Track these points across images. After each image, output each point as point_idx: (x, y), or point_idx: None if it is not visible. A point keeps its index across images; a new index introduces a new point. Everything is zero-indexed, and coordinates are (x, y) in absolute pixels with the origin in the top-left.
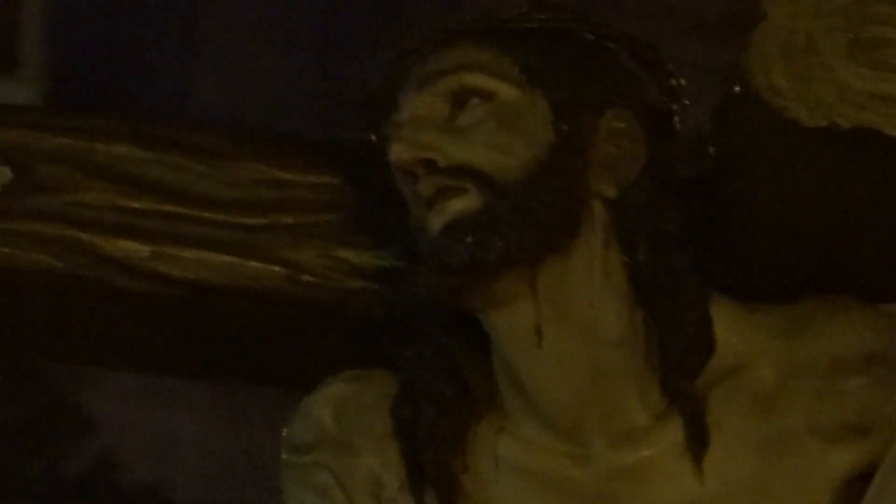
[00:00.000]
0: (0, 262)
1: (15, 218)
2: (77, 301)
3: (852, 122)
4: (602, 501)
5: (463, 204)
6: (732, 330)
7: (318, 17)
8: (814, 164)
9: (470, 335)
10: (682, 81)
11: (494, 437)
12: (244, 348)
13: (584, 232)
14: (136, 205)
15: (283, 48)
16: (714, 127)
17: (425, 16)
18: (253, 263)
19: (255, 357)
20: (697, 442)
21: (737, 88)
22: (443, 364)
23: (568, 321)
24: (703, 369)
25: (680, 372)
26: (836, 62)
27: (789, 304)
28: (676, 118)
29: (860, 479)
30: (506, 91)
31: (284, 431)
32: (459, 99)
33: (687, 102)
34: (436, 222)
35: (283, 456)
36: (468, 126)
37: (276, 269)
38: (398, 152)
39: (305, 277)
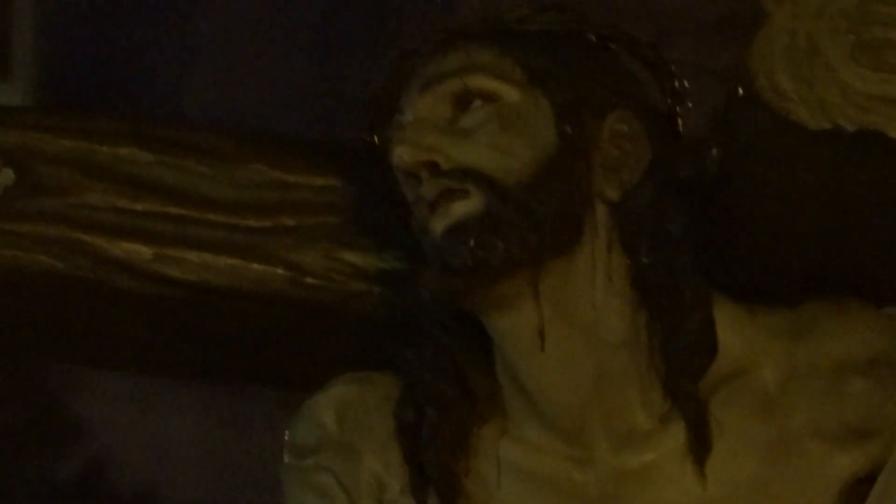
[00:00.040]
0: (2, 264)
1: (17, 219)
2: (79, 303)
3: (855, 123)
4: None
5: (466, 206)
6: (735, 332)
7: (315, 17)
8: (817, 166)
9: (472, 337)
10: (685, 83)
11: (497, 439)
12: (246, 350)
13: (586, 234)
14: (139, 206)
15: (279, 49)
16: (717, 129)
17: (422, 17)
18: (255, 265)
19: (258, 359)
20: (700, 445)
21: (740, 90)
22: (445, 366)
23: (571, 323)
24: (705, 372)
25: (683, 374)
26: (840, 64)
27: (792, 307)
28: (679, 120)
29: (863, 482)
30: (508, 93)
31: (286, 434)
32: (462, 101)
33: (690, 104)
34: (438, 225)
35: (285, 458)
36: (471, 128)
37: (279, 270)
38: (401, 155)
39: (308, 279)
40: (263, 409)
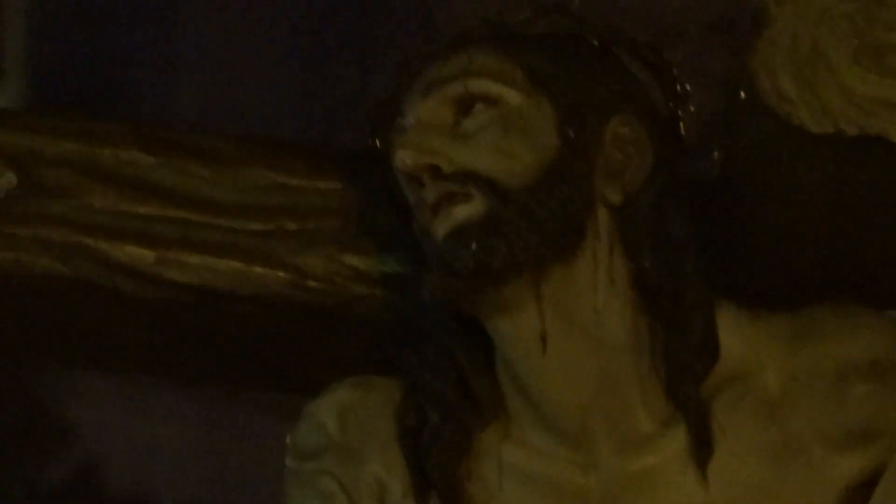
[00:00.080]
0: (5, 267)
1: (19, 222)
2: (81, 306)
3: (858, 128)
4: None
5: (468, 210)
6: (738, 336)
7: (301, 22)
8: (819, 170)
9: (475, 341)
10: (688, 87)
11: (499, 443)
12: (248, 353)
13: (589, 238)
14: (142, 210)
15: (270, 51)
16: (720, 133)
17: (413, 19)
18: (258, 269)
19: (260, 362)
20: (702, 448)
21: (743, 94)
22: (448, 370)
23: (573, 327)
24: (708, 376)
25: (685, 378)
26: (842, 67)
27: (794, 310)
28: (682, 123)
29: (865, 485)
30: (511, 97)
31: (288, 437)
32: (464, 104)
33: (692, 108)
34: (441, 228)
35: (288, 462)
36: (473, 132)
37: (282, 274)
38: (403, 158)
39: (311, 283)
40: (255, 414)
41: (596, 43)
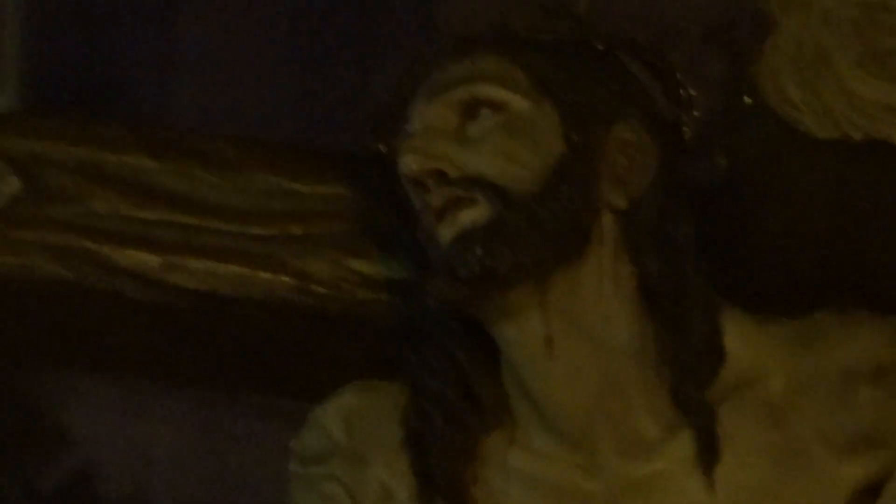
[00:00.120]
0: (9, 272)
1: (24, 227)
2: (85, 310)
3: (863, 133)
4: None
5: (473, 215)
6: (743, 341)
7: (300, 22)
8: (823, 175)
9: (479, 346)
10: (693, 92)
11: (505, 448)
12: (253, 358)
13: (593, 242)
14: (146, 214)
15: (266, 53)
16: (724, 137)
17: (405, 23)
18: (263, 274)
19: (265, 366)
20: (707, 453)
21: (747, 99)
22: (453, 375)
23: (578, 332)
24: (713, 381)
25: (690, 383)
26: (847, 72)
27: (799, 315)
28: (687, 129)
29: (871, 491)
30: (516, 102)
31: (293, 442)
32: (469, 109)
33: (697, 113)
34: (446, 233)
35: (293, 467)
36: (478, 137)
37: (287, 279)
38: (408, 163)
39: (315, 287)
40: (253, 418)
41: (600, 47)
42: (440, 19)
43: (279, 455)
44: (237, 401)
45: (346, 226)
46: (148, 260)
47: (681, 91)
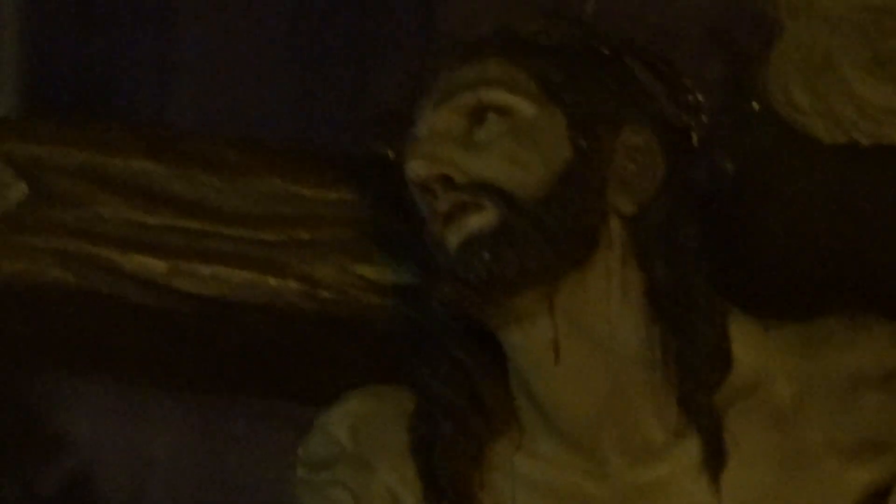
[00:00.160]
0: (16, 277)
1: (30, 232)
2: (91, 316)
3: (871, 138)
4: None
5: (480, 220)
6: (750, 347)
7: (298, 24)
8: (830, 180)
9: (487, 351)
10: (700, 97)
11: (511, 453)
12: (260, 363)
13: (601, 248)
14: (153, 220)
15: (264, 55)
16: (731, 142)
17: (405, 24)
18: (270, 279)
19: (271, 372)
20: (714, 459)
21: (755, 105)
22: (460, 380)
23: (585, 337)
24: (720, 386)
25: (697, 388)
26: (855, 78)
27: (806, 321)
28: (694, 134)
29: (878, 496)
30: (523, 107)
31: (300, 448)
32: (477, 114)
33: (705, 118)
34: (453, 238)
35: (299, 472)
36: (485, 142)
37: (293, 284)
38: (415, 168)
39: (322, 293)
40: (253, 422)
41: (607, 52)
42: (440, 19)
43: (278, 458)
44: (236, 404)
45: (353, 231)
46: (154, 265)
47: (688, 96)
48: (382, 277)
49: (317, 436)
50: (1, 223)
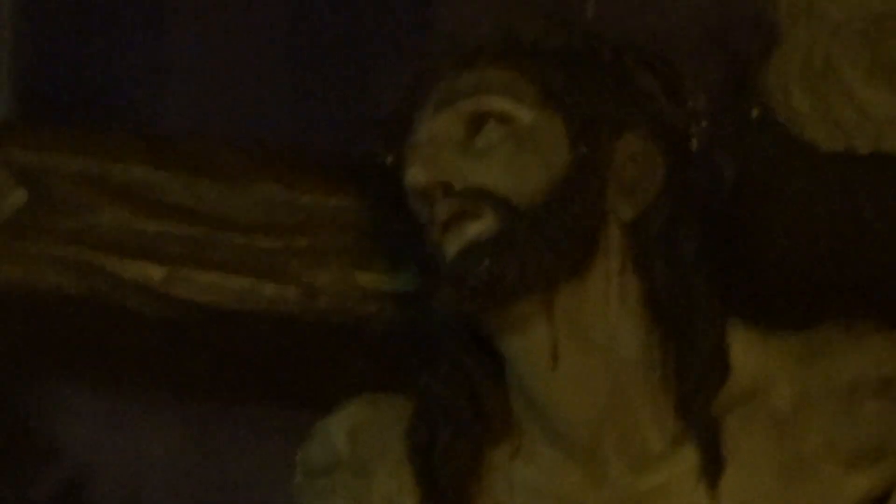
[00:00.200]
0: (14, 283)
1: (29, 239)
2: (90, 322)
3: (871, 145)
4: None
5: (479, 227)
6: (749, 354)
7: (292, 30)
8: (831, 187)
9: (486, 357)
10: (700, 102)
11: (510, 460)
12: (259, 370)
13: (600, 254)
14: (152, 226)
15: (259, 57)
16: (731, 148)
17: (405, 24)
18: (269, 286)
19: (271, 379)
20: (712, 466)
21: (755, 111)
22: (459, 385)
23: (584, 344)
24: (718, 393)
25: (696, 395)
26: (855, 85)
27: (805, 328)
28: (694, 139)
29: (878, 502)
30: (523, 113)
31: (299, 454)
32: (476, 121)
33: (705, 123)
34: (452, 245)
35: (298, 478)
36: (485, 149)
37: (292, 291)
38: (414, 175)
39: (321, 300)
40: (247, 430)
41: (607, 57)
42: (439, 20)
43: (275, 466)
44: (234, 411)
45: (352, 238)
46: (152, 271)
47: (688, 101)
48: (381, 284)
49: (315, 442)
50: None
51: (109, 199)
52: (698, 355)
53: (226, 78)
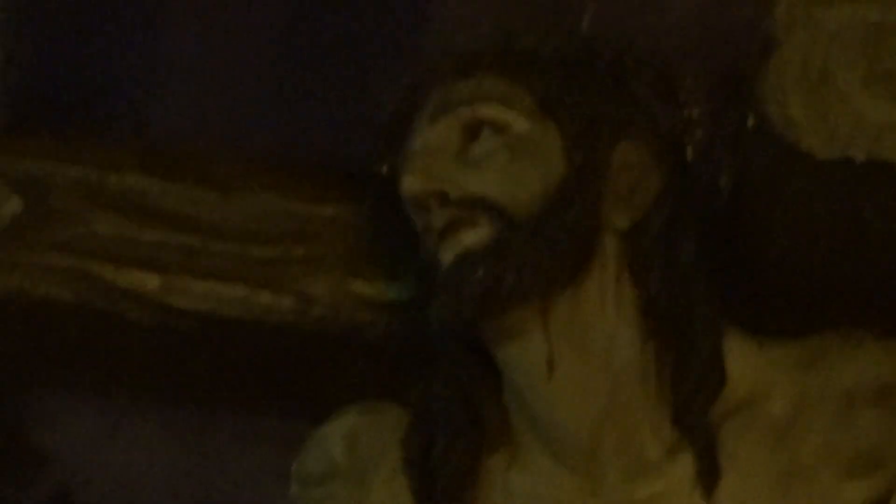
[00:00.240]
0: (10, 293)
1: (25, 248)
2: (85, 332)
3: (867, 153)
4: None
5: (475, 236)
6: (745, 363)
7: (290, 32)
8: (828, 196)
9: (482, 367)
10: (696, 111)
11: (506, 469)
12: (254, 379)
13: (596, 263)
14: (147, 236)
15: (252, 62)
16: (728, 157)
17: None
18: (264, 295)
19: (266, 388)
20: (709, 474)
21: (751, 119)
22: (455, 395)
23: (580, 353)
24: (714, 402)
25: (692, 404)
26: (852, 93)
27: (802, 337)
28: (690, 148)
29: None
30: (519, 122)
31: (295, 463)
32: (472, 130)
33: (700, 132)
34: (448, 254)
35: (294, 488)
36: (481, 158)
37: (287, 300)
38: (410, 184)
39: (316, 309)
40: (237, 440)
41: (604, 66)
42: (436, 22)
43: (270, 475)
44: (229, 420)
45: (348, 247)
46: (148, 281)
47: (684, 110)
48: (377, 293)
49: (311, 452)
50: None
51: (105, 209)
52: (695, 363)
53: (223, 79)
